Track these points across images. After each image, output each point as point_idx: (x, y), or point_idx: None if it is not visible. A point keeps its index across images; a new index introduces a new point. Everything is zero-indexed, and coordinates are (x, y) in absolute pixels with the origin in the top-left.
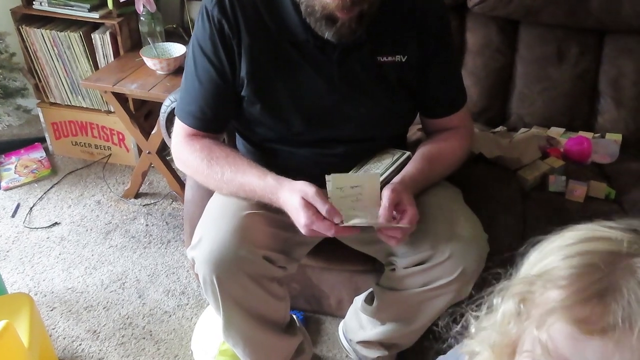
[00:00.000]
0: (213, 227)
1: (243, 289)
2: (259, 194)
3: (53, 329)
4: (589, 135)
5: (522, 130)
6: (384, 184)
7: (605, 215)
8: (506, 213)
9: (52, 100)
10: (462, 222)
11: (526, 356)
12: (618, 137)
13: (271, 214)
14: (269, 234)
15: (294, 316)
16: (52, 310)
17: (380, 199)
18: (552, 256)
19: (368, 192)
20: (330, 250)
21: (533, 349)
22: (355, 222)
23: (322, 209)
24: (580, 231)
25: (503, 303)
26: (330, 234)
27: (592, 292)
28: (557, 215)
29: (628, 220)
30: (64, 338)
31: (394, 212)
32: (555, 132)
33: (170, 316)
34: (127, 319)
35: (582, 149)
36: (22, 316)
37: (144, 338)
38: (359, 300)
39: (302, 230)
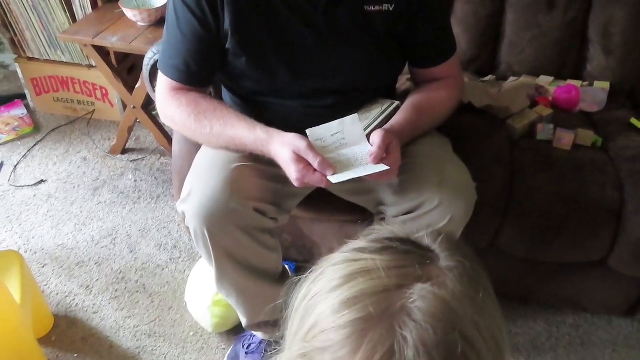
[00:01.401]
0: (202, 180)
1: (234, 240)
2: (249, 147)
3: (45, 285)
4: (577, 83)
5: (512, 79)
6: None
7: (591, 162)
8: (494, 162)
9: (29, 55)
10: (450, 170)
11: None
12: (606, 85)
13: (261, 166)
14: (259, 185)
15: (286, 267)
16: (43, 267)
17: (366, 139)
18: (320, 306)
19: (351, 134)
20: (321, 201)
21: None
22: (344, 177)
23: (314, 162)
24: (342, 266)
25: None
26: (322, 185)
27: (379, 357)
28: (545, 163)
29: (372, 233)
30: (57, 294)
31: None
32: (544, 80)
33: (163, 269)
34: (120, 273)
35: (570, 98)
36: (13, 273)
37: (138, 291)
38: None
39: (295, 183)
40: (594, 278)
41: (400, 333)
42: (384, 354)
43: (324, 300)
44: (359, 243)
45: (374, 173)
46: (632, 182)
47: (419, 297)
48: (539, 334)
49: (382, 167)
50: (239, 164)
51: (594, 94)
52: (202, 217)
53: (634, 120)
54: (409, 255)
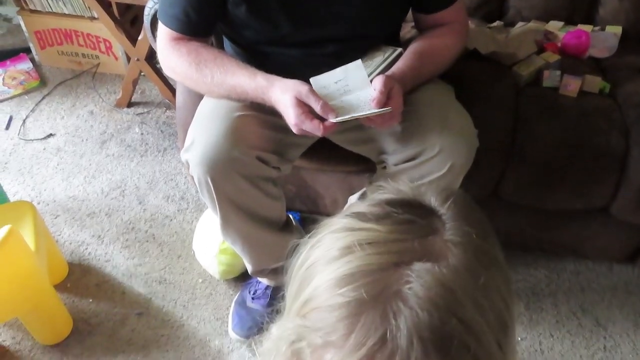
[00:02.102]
0: (205, 129)
1: (238, 189)
2: (250, 95)
3: (59, 235)
4: (587, 28)
5: (520, 24)
6: None
7: (597, 109)
8: (498, 109)
9: (32, 7)
10: (452, 117)
11: None
12: (618, 29)
13: (263, 115)
14: (261, 135)
15: (291, 216)
16: (56, 218)
17: (369, 84)
18: (317, 277)
19: (354, 81)
20: (324, 151)
21: None
22: (346, 117)
23: (316, 105)
24: (341, 235)
25: (276, 355)
26: (319, 133)
27: (369, 346)
28: (550, 110)
29: (376, 192)
30: (70, 243)
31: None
32: (554, 26)
33: (171, 220)
34: (130, 224)
35: (579, 43)
36: (26, 222)
37: (147, 241)
38: (353, 199)
39: (293, 130)
40: (596, 226)
41: (393, 319)
42: (375, 342)
43: (320, 272)
44: (360, 207)
45: (377, 117)
46: (638, 128)
47: (416, 280)
48: (539, 281)
49: (384, 109)
50: (241, 113)
51: (604, 39)
52: (205, 166)
53: None
54: (411, 226)
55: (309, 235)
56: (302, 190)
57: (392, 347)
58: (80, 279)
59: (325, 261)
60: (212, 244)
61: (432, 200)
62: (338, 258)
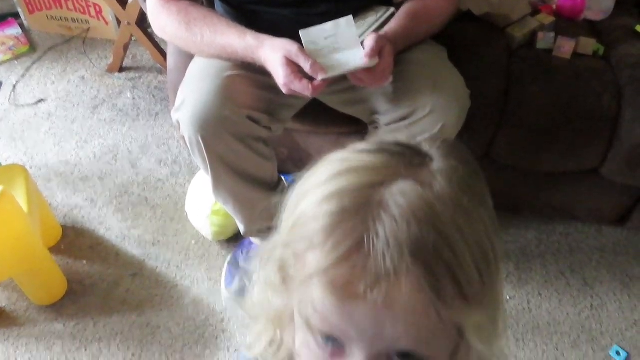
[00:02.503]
0: (195, 89)
1: (228, 148)
2: (240, 55)
3: (52, 198)
4: None
5: None
6: None
7: (590, 71)
8: (490, 71)
9: None
10: (444, 77)
11: (298, 331)
12: None
13: (254, 75)
14: (252, 94)
15: (283, 178)
16: (48, 182)
17: (360, 44)
18: (306, 199)
19: (344, 38)
20: (316, 113)
21: (301, 325)
22: (335, 73)
23: (306, 65)
24: (333, 164)
25: (263, 270)
26: (308, 93)
27: (347, 247)
28: (543, 72)
29: (381, 141)
30: (63, 207)
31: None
32: None
33: (164, 183)
34: (123, 187)
35: (574, 5)
36: (18, 184)
37: (140, 204)
38: None
39: (282, 89)
40: (586, 187)
41: (372, 226)
42: (353, 244)
43: (310, 195)
44: (359, 145)
45: (367, 77)
46: (631, 89)
47: (399, 192)
48: (529, 242)
49: (373, 62)
50: (232, 72)
51: (599, 1)
52: (196, 125)
53: (639, 28)
54: (401, 157)
55: (306, 169)
56: (294, 152)
57: (369, 249)
58: (73, 241)
59: (315, 185)
60: (204, 205)
61: (423, 144)
62: (327, 181)
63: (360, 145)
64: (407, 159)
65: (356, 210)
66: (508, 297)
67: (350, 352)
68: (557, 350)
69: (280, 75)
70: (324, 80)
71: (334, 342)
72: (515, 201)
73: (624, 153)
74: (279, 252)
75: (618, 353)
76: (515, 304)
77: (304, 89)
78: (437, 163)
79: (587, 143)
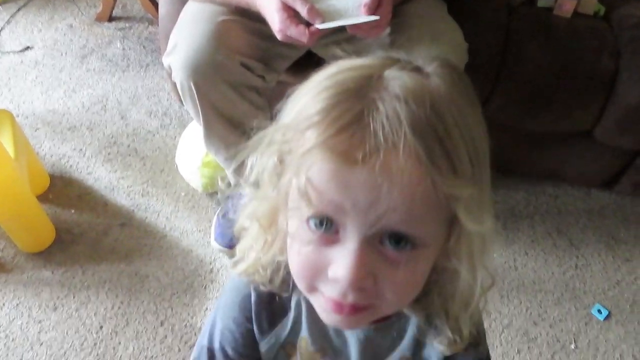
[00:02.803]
0: (188, 33)
1: (221, 95)
2: (235, 0)
3: (39, 147)
4: None
5: None
6: None
7: (590, 30)
8: (489, 27)
9: None
10: (442, 30)
11: (292, 215)
12: None
13: (248, 21)
14: (246, 40)
15: None
16: (36, 130)
17: None
18: (304, 98)
19: None
20: (311, 67)
21: (298, 204)
22: (332, 24)
23: (302, 9)
24: (327, 69)
25: (257, 163)
26: (304, 39)
27: (348, 119)
28: (542, 30)
29: (374, 54)
30: (51, 156)
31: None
32: None
33: (154, 135)
34: (112, 138)
35: None
36: (4, 129)
37: (130, 155)
38: None
39: (277, 36)
40: (578, 150)
41: (372, 100)
42: (353, 116)
43: (308, 92)
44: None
45: (364, 25)
46: (630, 50)
47: (398, 76)
48: (517, 203)
49: (373, 17)
50: (226, 17)
51: None
52: (188, 70)
53: None
54: (399, 62)
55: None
56: None
57: (368, 121)
58: (62, 190)
59: (312, 85)
60: (195, 157)
61: (419, 60)
62: (325, 79)
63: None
64: (404, 62)
65: (356, 91)
66: (495, 255)
67: (343, 235)
68: (541, 307)
69: (275, 21)
70: (320, 30)
71: (327, 226)
72: (507, 162)
73: (618, 114)
74: (277, 139)
75: (599, 311)
76: (502, 263)
77: (300, 34)
78: (432, 69)
79: (582, 103)
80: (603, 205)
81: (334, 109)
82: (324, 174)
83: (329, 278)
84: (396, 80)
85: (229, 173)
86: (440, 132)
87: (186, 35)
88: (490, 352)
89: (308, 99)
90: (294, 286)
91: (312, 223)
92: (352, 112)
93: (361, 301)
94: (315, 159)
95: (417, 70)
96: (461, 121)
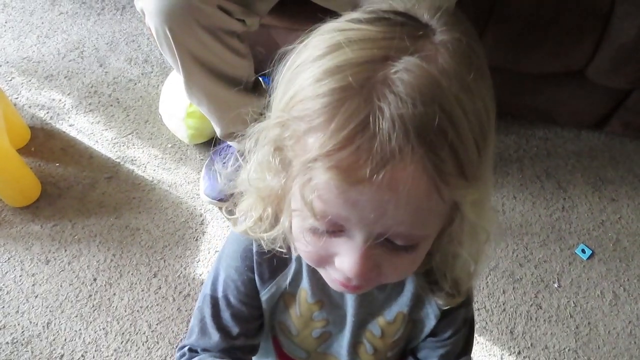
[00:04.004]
0: None
1: (199, 42)
2: None
3: (16, 98)
4: None
5: None
6: None
7: None
8: None
9: None
10: None
11: (296, 215)
12: None
13: None
14: None
15: (260, 79)
16: (10, 80)
17: None
18: (301, 76)
19: None
20: (295, 9)
21: (301, 209)
22: None
23: None
24: (329, 35)
25: (257, 149)
26: None
27: (351, 128)
28: None
29: (378, 9)
30: (30, 107)
31: None
32: None
33: (135, 84)
34: (92, 87)
35: None
36: None
37: (112, 105)
38: None
39: None
40: (569, 90)
41: (377, 104)
42: (357, 124)
43: (306, 69)
44: (353, 14)
45: None
46: None
47: (404, 69)
48: (507, 146)
49: None
50: None
51: None
52: (163, 14)
53: None
54: (403, 27)
55: (297, 41)
56: (272, 52)
57: (374, 130)
58: (44, 143)
59: (312, 59)
60: (179, 107)
61: (424, 13)
62: (325, 55)
63: (356, 14)
64: (408, 29)
65: (359, 87)
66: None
67: (348, 231)
68: (527, 249)
69: None
70: None
71: (332, 227)
72: (498, 105)
73: (612, 52)
74: (274, 132)
75: (583, 251)
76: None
77: None
78: (440, 35)
79: (576, 41)
80: (592, 146)
81: (338, 112)
82: (330, 188)
83: (335, 266)
84: (402, 74)
85: (213, 124)
86: (450, 135)
87: None
88: (476, 294)
89: (306, 81)
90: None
91: (317, 224)
92: (356, 118)
93: (365, 284)
94: (320, 172)
95: (424, 38)
96: (471, 108)
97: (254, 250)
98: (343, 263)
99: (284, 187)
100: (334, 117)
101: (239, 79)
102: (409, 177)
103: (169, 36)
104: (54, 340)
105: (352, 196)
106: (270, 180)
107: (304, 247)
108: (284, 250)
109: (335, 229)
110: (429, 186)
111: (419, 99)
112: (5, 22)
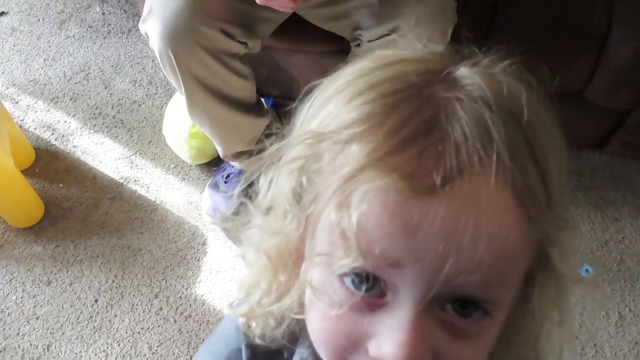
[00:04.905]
0: None
1: (201, 64)
2: None
3: (22, 120)
4: None
5: None
6: None
7: None
8: None
9: None
10: None
11: (319, 262)
12: None
13: None
14: (224, 4)
15: (262, 100)
16: (17, 102)
17: None
18: (336, 98)
19: None
20: (296, 30)
21: (330, 251)
22: None
23: None
24: (369, 61)
25: (272, 186)
26: (291, 4)
27: (415, 126)
28: None
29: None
30: (35, 129)
31: None
32: None
33: (139, 105)
34: (96, 109)
35: None
36: None
37: (116, 126)
38: None
39: (258, 1)
40: (569, 110)
41: (444, 103)
42: (422, 122)
43: (342, 91)
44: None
45: None
46: (622, 6)
47: (470, 74)
48: None
49: None
50: None
51: None
52: (166, 37)
53: None
54: (457, 54)
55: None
56: (275, 73)
57: (446, 129)
58: (48, 164)
59: (348, 81)
60: (182, 128)
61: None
62: (369, 72)
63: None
64: (471, 60)
65: (421, 87)
66: None
67: (392, 299)
68: None
69: None
70: None
71: (369, 285)
72: None
73: (610, 73)
74: (299, 152)
75: (587, 271)
76: None
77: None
78: (501, 68)
79: (573, 63)
80: (593, 166)
81: (393, 111)
82: (381, 207)
83: (369, 354)
84: (471, 79)
85: (216, 144)
86: (539, 153)
87: (161, 0)
88: None
89: (344, 99)
90: (303, 339)
91: (348, 280)
92: (420, 116)
93: None
94: (368, 184)
95: (489, 68)
96: (548, 139)
97: (245, 357)
98: (384, 345)
99: (307, 228)
100: (388, 118)
101: (241, 100)
102: (493, 193)
103: (172, 58)
104: None
105: (414, 216)
106: (288, 224)
107: (322, 322)
108: (286, 347)
109: (371, 294)
110: (517, 209)
111: (496, 102)
112: (14, 46)
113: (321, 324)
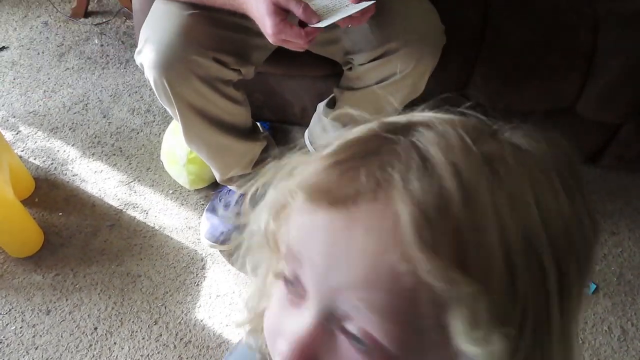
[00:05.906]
0: (157, 28)
1: (196, 92)
2: (219, 2)
3: (22, 151)
4: None
5: None
6: None
7: (568, 3)
8: (466, 5)
9: None
10: (418, 13)
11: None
12: None
13: (218, 15)
14: (216, 34)
15: (258, 124)
16: (17, 133)
17: None
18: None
19: None
20: (290, 56)
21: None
22: (330, 20)
23: (297, 9)
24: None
25: (254, 223)
26: (301, 42)
27: (350, 154)
28: (521, 6)
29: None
30: (35, 159)
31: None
32: None
33: (138, 133)
34: (95, 138)
35: None
36: None
37: (115, 154)
38: (321, 105)
39: (270, 40)
40: (561, 126)
41: (394, 144)
42: (357, 161)
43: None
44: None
45: (356, 12)
46: (608, 23)
47: (434, 134)
48: None
49: (368, 2)
50: (193, 10)
51: None
52: (160, 67)
53: None
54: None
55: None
56: (270, 98)
57: (380, 160)
58: (48, 193)
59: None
60: (180, 154)
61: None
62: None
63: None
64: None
65: (381, 135)
66: None
67: (305, 303)
68: None
69: (267, 25)
70: (317, 29)
71: (294, 285)
72: None
73: (599, 88)
74: (273, 198)
75: (587, 285)
76: None
77: (296, 36)
78: (510, 134)
79: (563, 79)
80: (588, 180)
81: (345, 148)
82: (298, 214)
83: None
84: (430, 136)
85: (213, 170)
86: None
87: (155, 31)
88: None
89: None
90: None
91: (284, 278)
92: (361, 150)
93: None
94: (297, 200)
95: (490, 136)
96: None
97: None
98: (281, 342)
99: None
100: (342, 150)
101: (237, 125)
102: (389, 223)
103: (167, 88)
104: None
105: (312, 223)
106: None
107: (266, 318)
108: None
109: (295, 293)
110: (413, 250)
111: (450, 160)
112: (14, 79)
113: (266, 317)
